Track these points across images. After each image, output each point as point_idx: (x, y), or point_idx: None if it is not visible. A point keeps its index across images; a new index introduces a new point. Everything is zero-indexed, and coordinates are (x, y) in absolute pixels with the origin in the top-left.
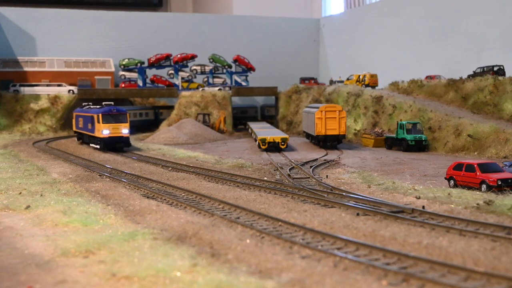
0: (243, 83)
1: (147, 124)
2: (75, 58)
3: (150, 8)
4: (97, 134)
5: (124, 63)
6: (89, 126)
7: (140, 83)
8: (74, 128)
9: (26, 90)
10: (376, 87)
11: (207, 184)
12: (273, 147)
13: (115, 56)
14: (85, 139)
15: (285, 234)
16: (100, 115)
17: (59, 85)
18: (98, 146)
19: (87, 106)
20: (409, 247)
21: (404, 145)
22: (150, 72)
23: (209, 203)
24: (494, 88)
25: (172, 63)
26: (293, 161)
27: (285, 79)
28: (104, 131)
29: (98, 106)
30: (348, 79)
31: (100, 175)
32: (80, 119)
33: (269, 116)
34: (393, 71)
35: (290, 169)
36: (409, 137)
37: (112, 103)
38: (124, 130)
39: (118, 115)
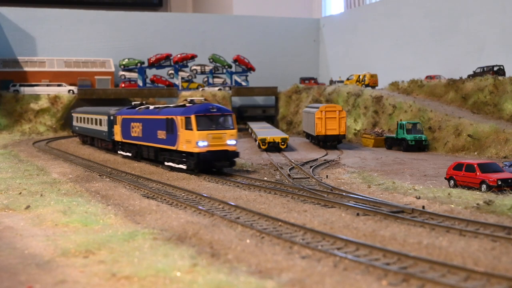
0: (243, 83)
1: None
2: (75, 58)
3: (150, 8)
4: (182, 147)
5: (124, 63)
6: (159, 134)
7: (140, 83)
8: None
9: (26, 90)
10: (376, 87)
11: (207, 184)
12: (273, 147)
13: (115, 56)
14: (143, 153)
15: (285, 234)
16: (192, 117)
17: (59, 85)
18: (183, 166)
19: (139, 105)
20: (409, 247)
21: (404, 145)
22: (150, 72)
23: (209, 203)
24: (494, 88)
25: (172, 63)
26: (293, 161)
27: (285, 79)
28: (200, 142)
29: (175, 105)
30: (348, 79)
31: (100, 175)
32: (132, 124)
33: (269, 117)
34: (393, 71)
35: (290, 169)
36: (409, 137)
37: (203, 98)
38: (230, 141)
39: (220, 117)
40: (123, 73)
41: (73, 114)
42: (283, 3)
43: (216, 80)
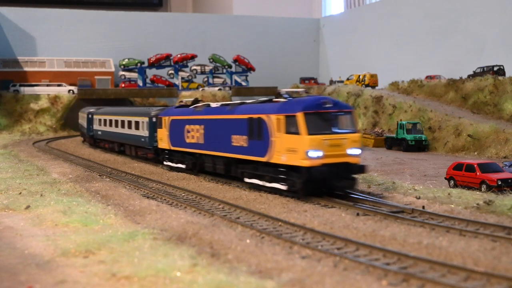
0: (243, 83)
1: None
2: (75, 58)
3: (150, 8)
4: (278, 158)
5: (124, 63)
6: (235, 140)
7: (140, 83)
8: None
9: (26, 90)
10: (376, 87)
11: (207, 184)
12: None
13: (115, 56)
14: (205, 165)
15: (285, 234)
16: (299, 115)
17: (59, 85)
18: (281, 186)
19: (194, 102)
20: (409, 247)
21: (404, 145)
22: (150, 72)
23: (209, 203)
24: (494, 88)
25: (172, 63)
26: None
27: (285, 79)
28: (312, 151)
29: (260, 99)
30: (348, 79)
31: (100, 175)
32: (188, 128)
33: None
34: (393, 71)
35: None
36: (409, 137)
37: (304, 90)
38: (353, 150)
39: (339, 115)
40: (123, 73)
41: (94, 116)
42: (283, 3)
43: (216, 80)
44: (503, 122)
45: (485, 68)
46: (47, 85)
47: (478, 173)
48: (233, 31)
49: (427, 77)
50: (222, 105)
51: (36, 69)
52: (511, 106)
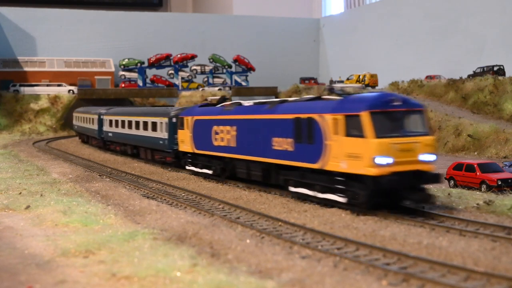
0: (243, 83)
1: None
2: (75, 58)
3: (150, 8)
4: (336, 165)
5: (124, 63)
6: (277, 144)
7: (140, 83)
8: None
9: (26, 90)
10: (376, 87)
11: (207, 184)
12: None
13: (115, 56)
14: (237, 170)
15: (285, 234)
16: (364, 115)
17: (59, 85)
18: (339, 198)
19: (221, 100)
20: (409, 247)
21: None
22: (150, 72)
23: (209, 203)
24: (494, 88)
25: (172, 63)
26: None
27: (285, 79)
28: (381, 158)
29: (309, 96)
30: (348, 79)
31: (100, 175)
32: (216, 129)
33: None
34: (393, 71)
35: None
36: None
37: (359, 87)
38: (426, 156)
39: (409, 115)
40: (123, 73)
41: (103, 117)
42: (283, 3)
43: (216, 80)
44: (503, 122)
45: (485, 68)
46: (47, 85)
47: (478, 173)
48: (233, 31)
49: (427, 77)
50: (257, 103)
51: (36, 69)
52: (511, 106)
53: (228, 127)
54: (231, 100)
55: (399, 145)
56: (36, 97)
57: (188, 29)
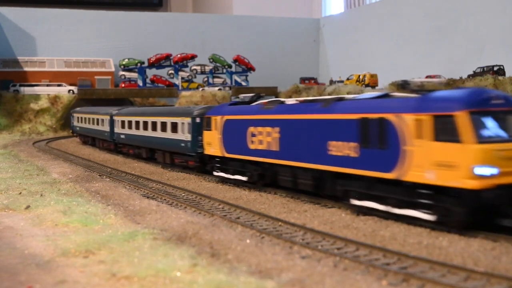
0: (243, 83)
1: None
2: (75, 58)
3: (150, 8)
4: (419, 176)
5: (124, 63)
6: (335, 148)
7: (140, 83)
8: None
9: (26, 90)
10: (376, 87)
11: (207, 184)
12: None
13: (115, 56)
14: (280, 177)
15: (285, 234)
16: (460, 116)
17: (59, 85)
18: (422, 215)
19: (256, 98)
20: (409, 247)
21: None
22: (150, 72)
23: (209, 203)
24: (494, 88)
25: (172, 63)
26: None
27: (285, 79)
28: (482, 168)
29: (380, 93)
30: (348, 79)
31: (100, 175)
32: (253, 130)
33: None
34: (393, 71)
35: None
36: None
37: (446, 82)
38: None
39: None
40: (123, 73)
41: (115, 118)
42: (283, 3)
43: (216, 80)
44: None
45: (485, 68)
46: (47, 85)
47: None
48: (233, 31)
49: (427, 77)
50: (306, 101)
51: (36, 69)
52: None
53: (268, 129)
54: (266, 98)
55: (505, 152)
56: (36, 97)
57: (188, 29)
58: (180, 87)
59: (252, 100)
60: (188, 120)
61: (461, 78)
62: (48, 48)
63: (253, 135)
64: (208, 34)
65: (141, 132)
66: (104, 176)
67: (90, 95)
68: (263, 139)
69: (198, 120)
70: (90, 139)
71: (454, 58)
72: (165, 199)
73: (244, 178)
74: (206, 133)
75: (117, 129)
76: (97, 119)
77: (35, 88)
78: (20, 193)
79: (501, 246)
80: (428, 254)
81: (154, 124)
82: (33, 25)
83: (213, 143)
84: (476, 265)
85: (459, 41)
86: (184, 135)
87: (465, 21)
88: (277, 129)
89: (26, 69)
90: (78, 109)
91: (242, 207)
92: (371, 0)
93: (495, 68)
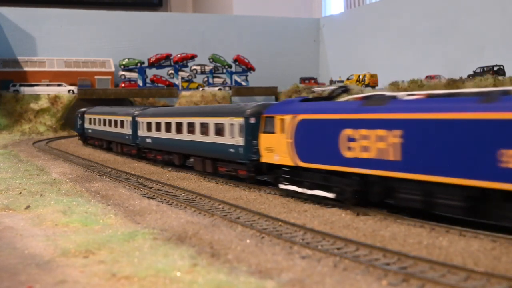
0: (243, 83)
1: None
2: (75, 58)
3: (150, 8)
4: None
5: (124, 63)
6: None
7: (140, 83)
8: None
9: (26, 90)
10: (376, 87)
11: (207, 184)
12: None
13: (115, 56)
14: (401, 196)
15: (285, 234)
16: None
17: (59, 85)
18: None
19: (341, 91)
20: (409, 247)
21: None
22: (150, 72)
23: (209, 203)
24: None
25: (172, 63)
26: None
27: (285, 79)
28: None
29: None
30: (348, 79)
31: (100, 175)
32: (348, 133)
33: None
34: (393, 71)
35: None
36: None
37: None
38: None
39: None
40: (123, 73)
41: (138, 119)
42: (283, 3)
43: (216, 80)
44: None
45: (485, 68)
46: (47, 85)
47: None
48: (233, 31)
49: (427, 77)
50: (441, 95)
51: (36, 69)
52: None
53: (381, 132)
54: (351, 91)
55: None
56: (36, 97)
57: (188, 29)
58: (180, 87)
59: (335, 94)
60: (239, 120)
61: (461, 78)
62: (48, 48)
63: (351, 139)
64: (208, 34)
65: (173, 135)
66: (104, 176)
67: (90, 95)
68: (370, 145)
69: (252, 120)
70: (105, 142)
71: (454, 58)
72: (165, 199)
73: (329, 195)
74: (265, 136)
75: (142, 132)
76: (116, 121)
77: (35, 88)
78: (20, 193)
79: (501, 246)
80: (428, 254)
81: (191, 126)
82: (33, 25)
83: (277, 149)
84: (476, 265)
85: (459, 41)
86: (233, 139)
87: (465, 21)
88: (397, 132)
89: (26, 69)
90: (96, 108)
91: (242, 207)
92: (371, 0)
93: (495, 68)
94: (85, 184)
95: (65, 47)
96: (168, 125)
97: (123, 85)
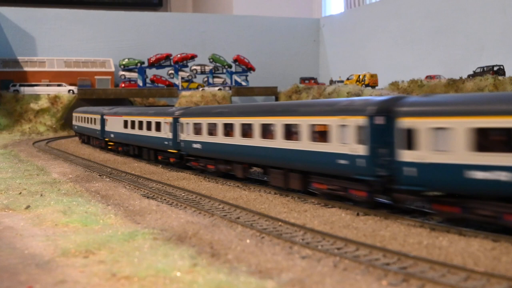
0: (243, 83)
1: None
2: (75, 58)
3: (150, 8)
4: None
5: (124, 63)
6: None
7: (140, 83)
8: None
9: (26, 90)
10: (376, 87)
11: (207, 184)
12: None
13: (115, 56)
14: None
15: (285, 234)
16: None
17: (59, 85)
18: None
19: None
20: (409, 247)
21: None
22: (150, 72)
23: (209, 203)
24: (494, 88)
25: (172, 63)
26: None
27: (285, 79)
28: None
29: None
30: (348, 79)
31: (100, 175)
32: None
33: None
34: (393, 71)
35: None
36: None
37: None
38: None
39: None
40: (123, 73)
41: (181, 120)
42: (283, 3)
43: (216, 80)
44: None
45: (485, 68)
46: (47, 85)
47: None
48: (233, 31)
49: (427, 77)
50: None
51: (36, 69)
52: None
53: None
54: None
55: None
56: (36, 97)
57: (188, 29)
58: (180, 87)
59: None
60: (358, 120)
61: (461, 78)
62: (48, 48)
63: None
64: (208, 34)
65: (236, 140)
66: (104, 176)
67: (90, 95)
68: None
69: (379, 121)
70: (132, 148)
71: (454, 58)
72: (165, 199)
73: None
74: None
75: (186, 136)
76: (150, 122)
77: (35, 88)
78: (20, 193)
79: (501, 246)
80: (428, 254)
81: (267, 128)
82: (33, 25)
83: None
84: (476, 265)
85: (459, 41)
86: (347, 146)
87: (465, 21)
88: None
89: (26, 69)
90: (116, 109)
91: (242, 207)
92: (371, 0)
93: (495, 68)
94: (85, 184)
95: (65, 47)
96: (228, 126)
97: (123, 85)
